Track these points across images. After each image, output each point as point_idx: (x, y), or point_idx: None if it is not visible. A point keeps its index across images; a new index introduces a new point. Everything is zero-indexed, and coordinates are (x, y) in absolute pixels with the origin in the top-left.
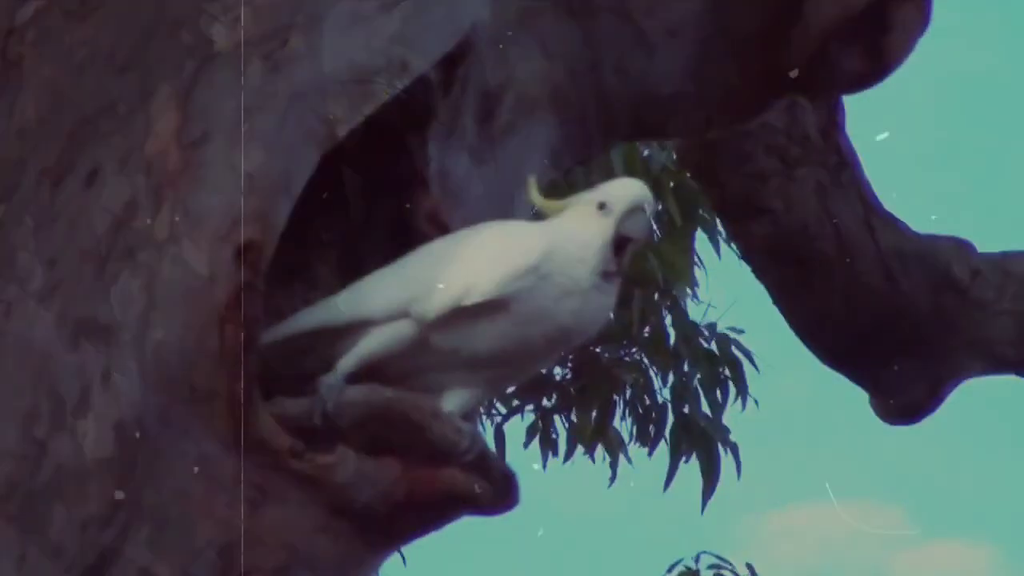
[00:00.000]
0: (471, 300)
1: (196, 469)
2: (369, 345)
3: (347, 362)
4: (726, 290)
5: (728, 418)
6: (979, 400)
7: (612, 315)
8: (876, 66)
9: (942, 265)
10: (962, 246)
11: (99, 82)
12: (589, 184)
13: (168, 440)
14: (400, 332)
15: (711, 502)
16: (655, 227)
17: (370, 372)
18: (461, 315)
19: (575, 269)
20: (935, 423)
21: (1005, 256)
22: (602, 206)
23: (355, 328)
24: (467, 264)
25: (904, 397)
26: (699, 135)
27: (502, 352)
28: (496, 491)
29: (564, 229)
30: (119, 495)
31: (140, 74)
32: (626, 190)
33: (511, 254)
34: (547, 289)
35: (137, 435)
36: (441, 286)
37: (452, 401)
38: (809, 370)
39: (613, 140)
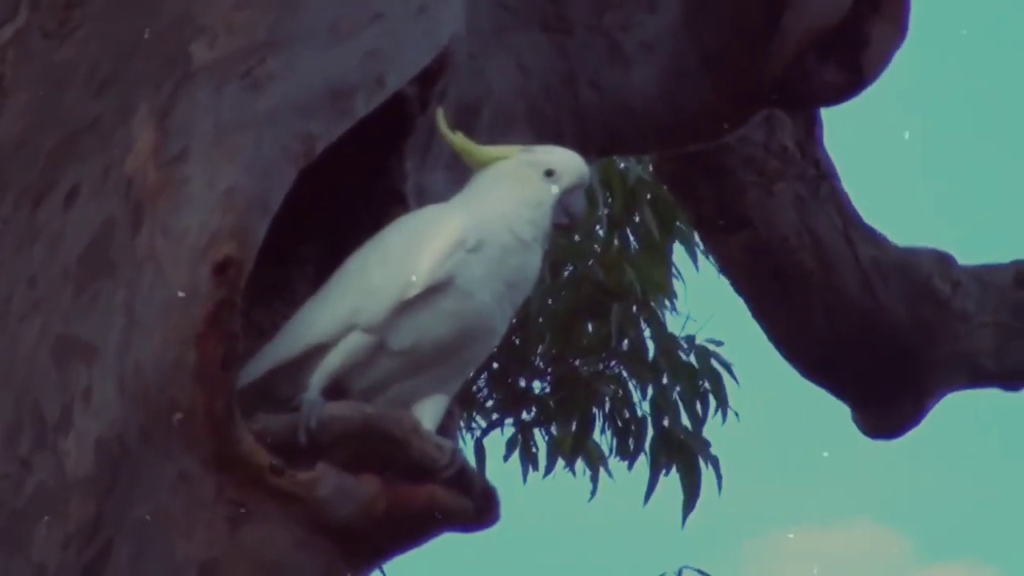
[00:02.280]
0: (412, 292)
1: (176, 486)
2: (333, 361)
3: (319, 377)
4: (705, 302)
5: (708, 431)
6: (962, 413)
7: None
8: (853, 80)
9: (922, 277)
10: (942, 258)
11: (79, 101)
12: None
13: (148, 457)
14: (354, 345)
15: (692, 517)
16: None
17: (338, 391)
18: (408, 310)
19: (513, 231)
20: (918, 438)
21: (985, 268)
22: (550, 173)
23: (310, 356)
24: (397, 261)
25: (886, 411)
26: (676, 149)
27: (459, 333)
28: (477, 507)
29: (496, 194)
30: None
31: (119, 93)
32: (575, 164)
33: (435, 238)
34: (482, 259)
35: (118, 452)
36: (379, 289)
37: (427, 411)
38: (790, 383)
39: (589, 154)
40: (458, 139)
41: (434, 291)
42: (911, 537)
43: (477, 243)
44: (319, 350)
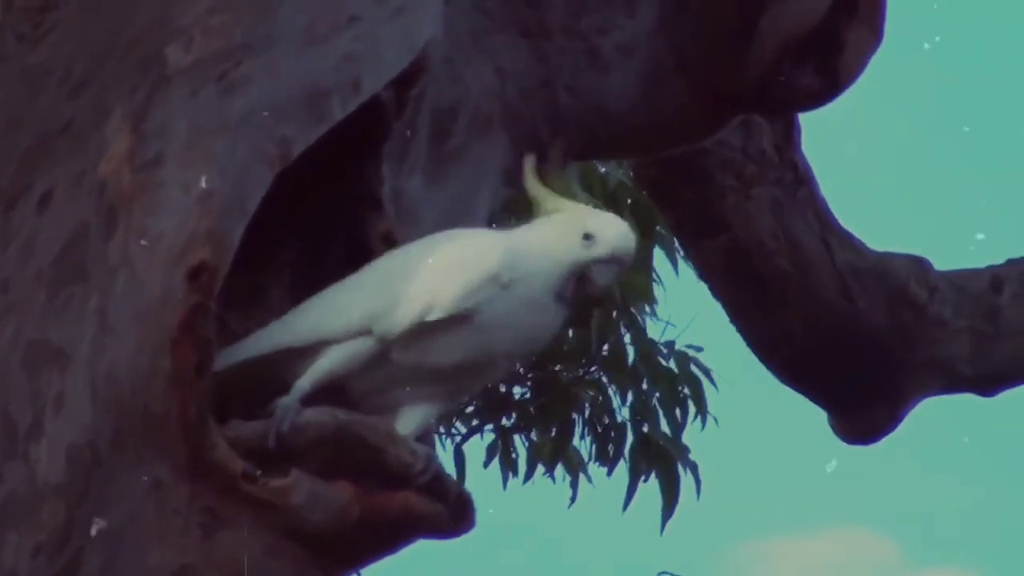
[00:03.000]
0: (435, 316)
1: (149, 493)
2: (327, 364)
3: (304, 382)
4: (685, 308)
5: (688, 437)
6: (947, 417)
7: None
8: (829, 84)
9: (899, 282)
10: (920, 263)
11: (52, 104)
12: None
13: (121, 464)
14: (359, 349)
15: (673, 523)
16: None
17: (329, 392)
18: (424, 330)
19: (538, 280)
20: (903, 442)
21: (961, 273)
22: (588, 237)
23: (314, 348)
24: (428, 278)
25: (863, 416)
26: (653, 154)
27: (463, 363)
28: (452, 513)
29: (536, 239)
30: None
31: (94, 96)
32: (617, 237)
33: (471, 264)
34: (508, 298)
35: (89, 459)
36: (403, 302)
37: (409, 418)
38: (769, 388)
39: (566, 159)
40: (533, 185)
41: (455, 320)
42: (898, 542)
43: (510, 281)
44: (323, 345)
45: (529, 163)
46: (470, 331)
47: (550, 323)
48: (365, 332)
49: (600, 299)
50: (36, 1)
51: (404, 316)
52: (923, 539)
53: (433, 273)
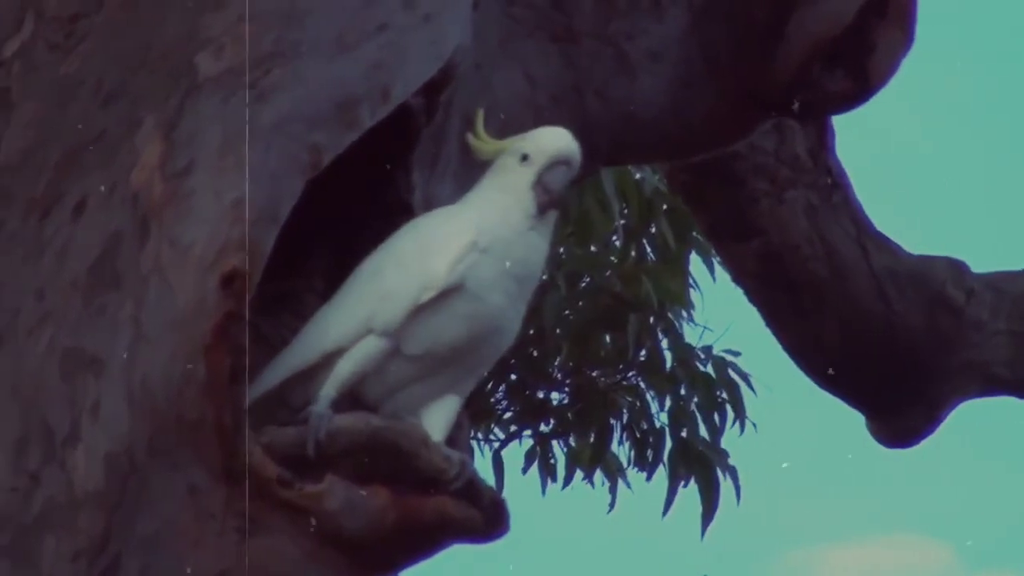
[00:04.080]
0: (428, 296)
1: (185, 499)
2: (345, 368)
3: (329, 389)
4: (722, 312)
5: (726, 442)
6: (975, 421)
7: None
8: (861, 87)
9: (936, 285)
10: (956, 266)
11: (85, 114)
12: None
13: (157, 470)
14: (371, 349)
15: (714, 529)
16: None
17: (350, 399)
18: (423, 313)
19: (512, 217)
20: (950, 446)
21: (999, 276)
22: (524, 158)
23: (325, 363)
24: (411, 264)
25: (901, 420)
26: (684, 158)
27: (471, 334)
28: (486, 518)
29: (489, 190)
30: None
31: (126, 105)
32: (549, 142)
33: (449, 239)
34: (492, 257)
35: (126, 466)
36: (395, 294)
37: (437, 414)
38: (807, 393)
39: (597, 164)
40: (471, 139)
41: (448, 294)
42: (953, 546)
43: (488, 245)
44: (335, 356)
45: (478, 118)
46: (466, 301)
47: (541, 246)
48: (368, 331)
49: (563, 203)
50: (67, 11)
51: (400, 305)
52: (979, 543)
53: (414, 258)
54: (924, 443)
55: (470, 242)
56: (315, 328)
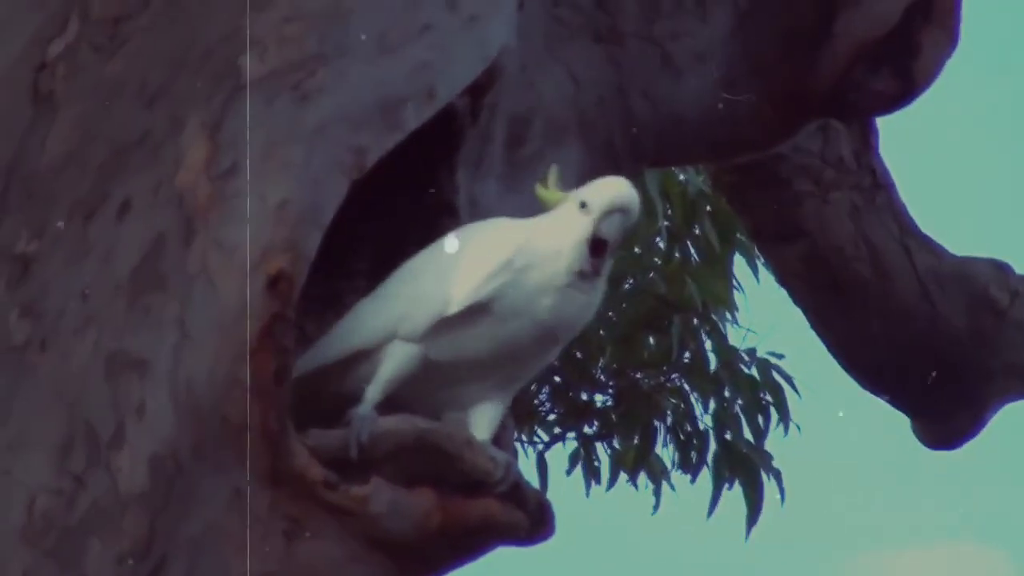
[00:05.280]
0: (453, 309)
1: (230, 502)
2: (387, 371)
3: (374, 391)
4: (766, 315)
5: (770, 444)
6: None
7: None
8: (905, 87)
9: (980, 287)
10: (1000, 268)
11: (129, 115)
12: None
13: (202, 473)
14: (408, 354)
15: (760, 533)
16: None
17: (388, 403)
18: (447, 325)
19: (550, 265)
20: (978, 449)
21: None
22: (583, 205)
23: (356, 359)
24: (444, 273)
25: (945, 421)
26: (728, 159)
27: (497, 353)
28: (531, 520)
29: (544, 225)
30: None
31: (170, 106)
32: (606, 191)
33: (484, 255)
34: (525, 284)
35: (171, 468)
36: (424, 301)
37: (479, 421)
38: (852, 395)
39: (641, 165)
40: (539, 190)
41: (472, 311)
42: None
43: (524, 266)
44: (364, 354)
45: (552, 174)
46: (492, 321)
47: (581, 303)
48: (392, 335)
49: (616, 248)
50: (112, 13)
51: (426, 314)
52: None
53: (451, 269)
54: (969, 447)
55: (506, 261)
56: (349, 323)
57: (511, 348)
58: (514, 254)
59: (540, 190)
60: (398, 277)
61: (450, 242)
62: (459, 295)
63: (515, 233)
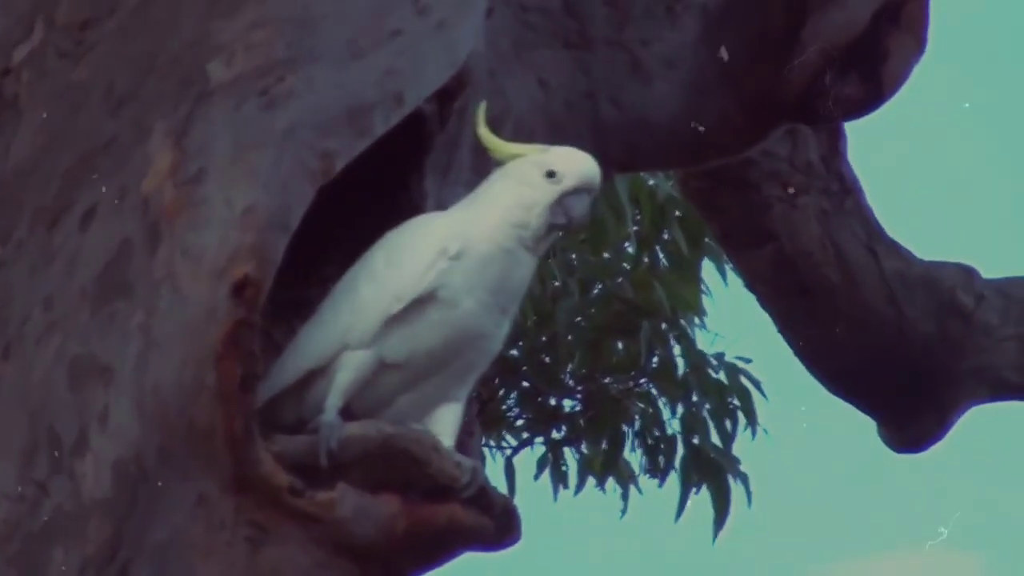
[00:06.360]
0: (397, 307)
1: (195, 508)
2: (344, 379)
3: (334, 399)
4: (734, 319)
5: (737, 449)
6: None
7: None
8: (873, 93)
9: (947, 291)
10: (966, 272)
11: (95, 121)
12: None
13: (167, 479)
14: (361, 360)
15: (727, 537)
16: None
17: (350, 417)
18: (396, 323)
19: (503, 235)
20: (975, 453)
21: (1008, 281)
22: (551, 174)
23: (310, 380)
24: (382, 276)
25: (911, 424)
26: (698, 164)
27: (451, 339)
28: (497, 525)
29: (499, 194)
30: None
31: (136, 112)
32: (580, 166)
33: (416, 249)
34: (465, 265)
35: (135, 474)
36: (367, 307)
37: (442, 425)
38: (819, 400)
39: (610, 171)
40: (484, 133)
41: (419, 303)
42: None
43: (459, 251)
44: (317, 373)
45: (481, 110)
46: (438, 310)
47: (525, 265)
48: (344, 347)
49: (581, 229)
50: (78, 18)
51: (371, 318)
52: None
53: (384, 270)
54: (936, 449)
55: (438, 251)
56: (297, 346)
57: (464, 331)
58: (444, 242)
59: (486, 135)
60: (335, 295)
61: (379, 248)
62: (402, 291)
63: (442, 221)
